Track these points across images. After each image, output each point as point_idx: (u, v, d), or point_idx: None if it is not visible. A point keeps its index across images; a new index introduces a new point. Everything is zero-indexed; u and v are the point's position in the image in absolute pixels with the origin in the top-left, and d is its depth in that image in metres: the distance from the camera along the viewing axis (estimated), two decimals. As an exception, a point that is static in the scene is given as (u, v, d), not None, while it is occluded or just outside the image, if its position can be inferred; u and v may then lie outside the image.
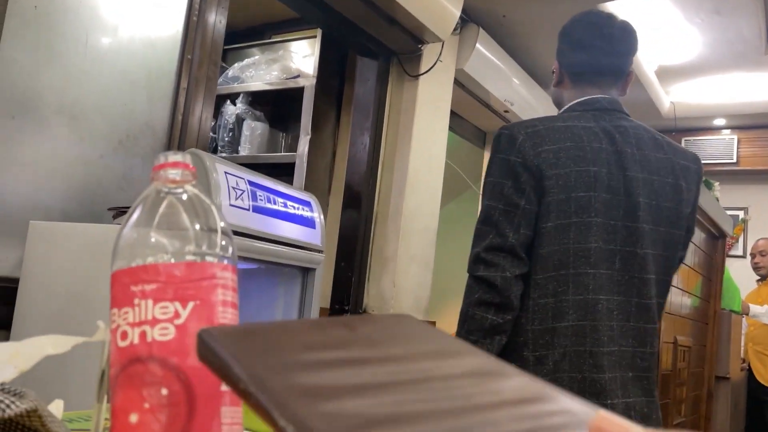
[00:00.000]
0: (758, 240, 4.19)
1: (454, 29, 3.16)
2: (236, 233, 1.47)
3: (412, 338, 0.35)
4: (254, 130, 3.35)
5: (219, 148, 3.45)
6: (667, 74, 4.35)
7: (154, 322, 0.41)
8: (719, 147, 4.89)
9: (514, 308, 1.32)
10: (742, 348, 3.92)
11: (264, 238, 1.55)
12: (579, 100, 1.44)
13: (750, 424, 3.92)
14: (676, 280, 2.60)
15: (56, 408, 0.60)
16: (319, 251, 1.80)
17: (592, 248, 1.31)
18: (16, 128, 1.70)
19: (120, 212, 1.68)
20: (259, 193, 1.55)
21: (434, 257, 3.45)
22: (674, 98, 4.72)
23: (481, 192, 1.43)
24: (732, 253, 4.88)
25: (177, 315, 0.42)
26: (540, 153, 1.33)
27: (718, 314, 3.23)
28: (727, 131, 4.93)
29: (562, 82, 1.51)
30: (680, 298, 2.70)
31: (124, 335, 0.42)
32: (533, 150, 1.33)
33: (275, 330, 0.34)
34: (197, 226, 0.46)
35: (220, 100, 3.49)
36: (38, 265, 1.53)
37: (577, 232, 1.31)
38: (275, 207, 1.60)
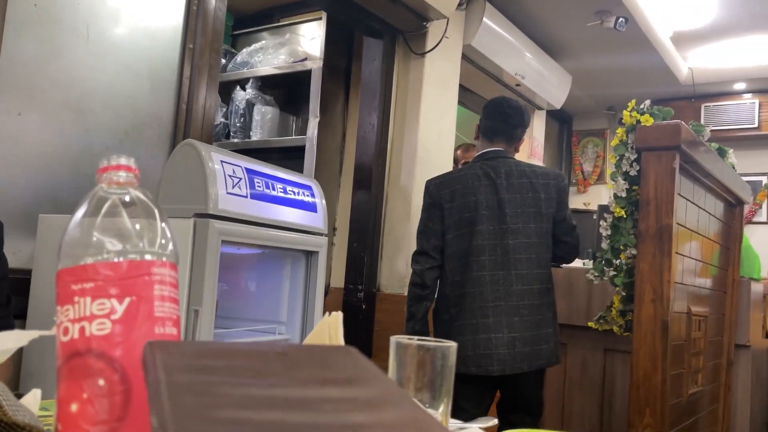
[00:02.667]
0: None
1: (460, 4, 3.14)
2: (234, 220, 1.50)
3: (334, 366, 0.39)
4: (264, 115, 3.37)
5: (231, 133, 3.49)
6: (683, 40, 4.25)
7: (92, 317, 0.44)
8: (740, 112, 4.77)
9: (428, 286, 2.20)
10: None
11: (263, 224, 1.58)
12: (479, 153, 2.29)
13: (773, 391, 3.88)
14: (689, 250, 2.58)
15: (33, 397, 0.64)
16: (322, 234, 1.83)
17: (476, 245, 2.14)
18: (24, 124, 1.75)
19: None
20: (257, 179, 1.58)
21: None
22: (692, 64, 4.61)
23: None
24: (756, 219, 4.79)
25: (113, 310, 0.45)
26: (441, 196, 2.21)
27: (737, 282, 3.19)
28: (749, 95, 4.80)
29: (478, 138, 2.35)
30: (695, 268, 2.67)
31: (66, 331, 0.45)
32: (437, 193, 2.22)
33: (215, 354, 0.40)
34: (137, 226, 0.49)
35: (231, 85, 3.52)
36: (49, 256, 1.59)
37: (467, 237, 2.15)
38: (274, 193, 1.63)
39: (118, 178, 0.50)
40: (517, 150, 2.35)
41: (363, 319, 2.89)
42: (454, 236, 2.17)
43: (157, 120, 2.13)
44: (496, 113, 2.30)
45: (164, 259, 0.49)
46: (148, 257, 0.48)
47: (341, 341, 0.68)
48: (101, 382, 0.43)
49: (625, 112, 2.33)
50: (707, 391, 2.94)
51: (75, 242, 0.47)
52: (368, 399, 0.35)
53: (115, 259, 0.46)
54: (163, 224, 0.50)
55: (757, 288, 3.50)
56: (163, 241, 0.49)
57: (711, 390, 3.02)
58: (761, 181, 4.81)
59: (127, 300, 0.45)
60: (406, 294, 3.03)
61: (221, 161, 1.50)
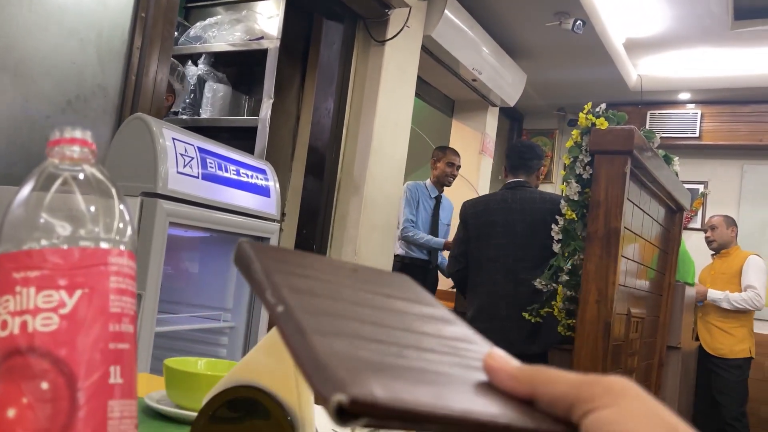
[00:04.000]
0: (712, 216, 4.29)
1: (422, -6, 3.10)
2: (184, 201, 1.43)
3: (399, 287, 0.42)
4: (216, 93, 3.26)
5: (180, 110, 3.35)
6: (635, 47, 4.35)
7: (36, 311, 0.39)
8: (683, 121, 4.94)
9: (457, 284, 3.01)
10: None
11: (214, 206, 1.52)
12: (507, 182, 2.92)
13: (699, 392, 4.06)
14: (632, 253, 2.64)
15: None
16: (274, 220, 1.77)
17: (492, 255, 2.75)
18: (-46, 86, 1.61)
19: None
20: (209, 160, 1.51)
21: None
22: (641, 71, 4.74)
23: None
24: (690, 226, 4.99)
25: (62, 304, 0.39)
26: (469, 213, 2.89)
27: (673, 286, 3.30)
28: (692, 105, 4.97)
29: (505, 173, 2.98)
30: (636, 271, 2.74)
31: (4, 325, 0.39)
32: (466, 213, 2.90)
33: (295, 257, 0.41)
34: (92, 209, 0.43)
35: (182, 60, 3.38)
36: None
37: (484, 248, 2.78)
38: (227, 175, 1.57)
39: (71, 152, 0.45)
40: (538, 178, 3.00)
41: (309, 307, 2.85)
42: (474, 246, 2.82)
43: (103, 91, 2.01)
44: (514, 153, 2.96)
45: (122, 247, 0.44)
46: (104, 245, 0.42)
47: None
48: (44, 385, 0.38)
49: (581, 114, 2.35)
50: (640, 389, 3.04)
51: (19, 224, 0.42)
52: (440, 316, 0.38)
53: (66, 246, 0.41)
54: (122, 206, 0.45)
55: (690, 292, 3.65)
56: (121, 226, 0.44)
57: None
58: (698, 189, 5.01)
59: (78, 292, 0.40)
60: (353, 284, 3.01)
61: (173, 138, 1.42)
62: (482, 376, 0.31)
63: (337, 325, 0.30)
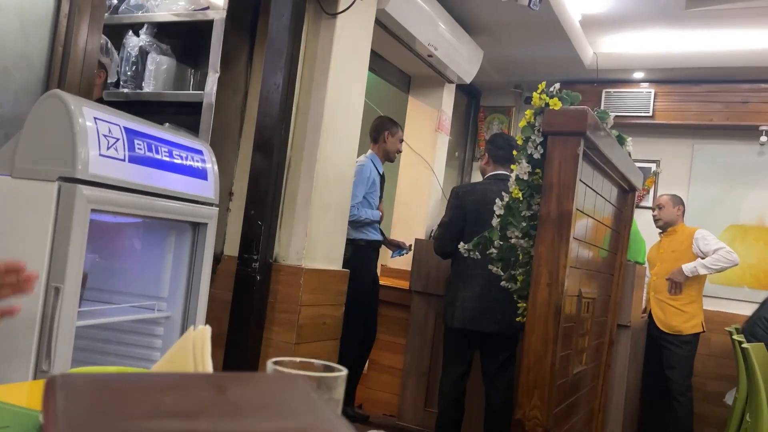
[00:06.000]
0: (660, 196, 4.34)
1: (376, -35, 2.99)
2: (109, 186, 1.33)
3: (286, 398, 0.34)
4: (159, 65, 3.09)
5: (121, 83, 3.18)
6: (591, 25, 4.33)
7: None
8: (637, 100, 4.96)
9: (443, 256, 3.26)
10: (644, 297, 4.10)
11: (143, 191, 1.41)
12: (493, 173, 3.23)
13: (648, 368, 4.15)
14: (584, 234, 2.63)
15: None
16: (212, 204, 1.67)
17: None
18: None
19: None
20: (137, 141, 1.40)
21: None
22: (597, 49, 4.73)
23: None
24: (643, 204, 5.06)
25: None
26: (467, 200, 3.11)
27: (624, 266, 3.33)
28: (646, 85, 4.99)
29: (488, 163, 3.29)
30: (587, 251, 2.74)
31: None
32: (463, 199, 3.13)
33: (134, 387, 0.32)
34: None
35: (122, 30, 3.20)
36: None
37: (479, 233, 2.72)
38: (158, 157, 1.46)
39: None
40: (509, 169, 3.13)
41: (257, 290, 2.76)
42: (470, 231, 2.98)
43: (26, 62, 1.86)
44: (506, 145, 3.21)
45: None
46: None
47: (208, 361, 0.56)
48: None
49: (534, 94, 2.30)
50: (590, 369, 3.06)
51: None
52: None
53: None
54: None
55: (640, 271, 3.69)
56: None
57: (593, 368, 3.15)
58: (650, 168, 5.06)
59: None
60: (303, 266, 2.93)
61: (95, 118, 1.31)
62: None
63: None
